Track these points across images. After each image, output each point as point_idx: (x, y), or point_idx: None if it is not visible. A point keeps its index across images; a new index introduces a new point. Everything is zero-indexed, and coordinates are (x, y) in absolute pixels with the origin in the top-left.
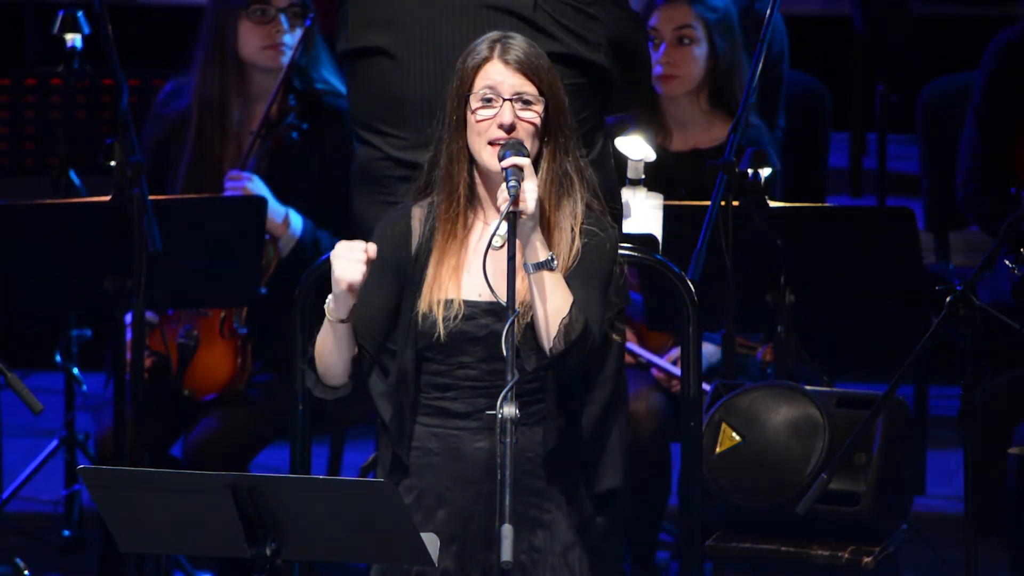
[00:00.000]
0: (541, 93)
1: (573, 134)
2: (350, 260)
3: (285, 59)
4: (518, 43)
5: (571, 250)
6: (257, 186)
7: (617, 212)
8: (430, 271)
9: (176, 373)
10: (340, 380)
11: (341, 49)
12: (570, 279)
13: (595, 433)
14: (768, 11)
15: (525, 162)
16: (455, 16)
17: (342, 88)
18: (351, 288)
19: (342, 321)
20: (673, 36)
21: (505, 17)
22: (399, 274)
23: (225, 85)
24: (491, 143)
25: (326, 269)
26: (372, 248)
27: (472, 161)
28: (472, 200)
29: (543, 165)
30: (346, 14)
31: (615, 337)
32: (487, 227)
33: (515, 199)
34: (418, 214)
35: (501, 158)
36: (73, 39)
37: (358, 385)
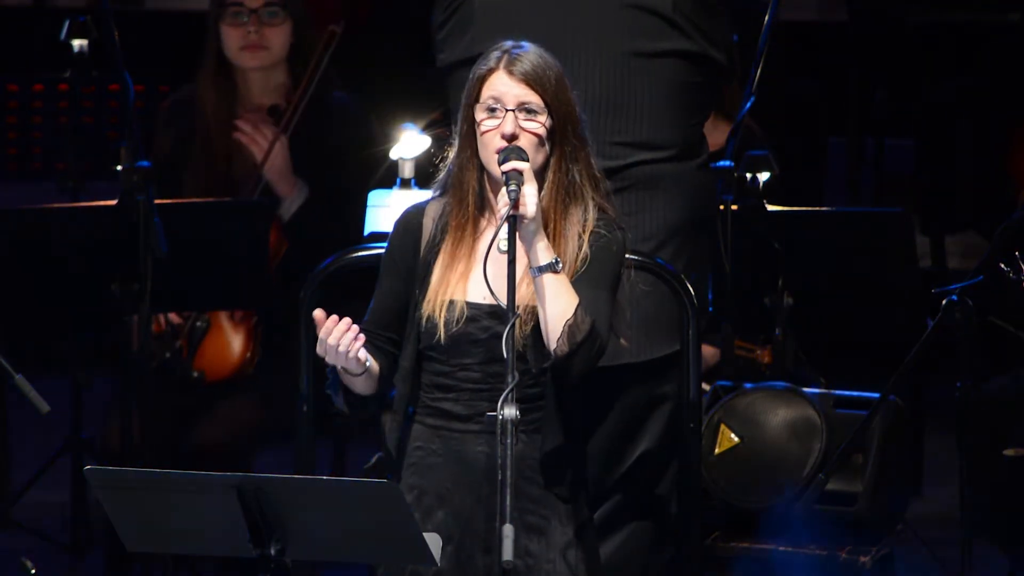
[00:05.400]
0: (546, 103)
1: (583, 143)
2: (334, 353)
3: (265, 59)
4: (526, 54)
5: (578, 256)
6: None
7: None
8: (439, 274)
9: (187, 354)
10: (369, 392)
11: (459, 57)
12: (577, 281)
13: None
14: (767, 16)
15: (524, 166)
16: (596, 16)
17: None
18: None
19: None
20: None
21: (646, 16)
22: (411, 273)
23: (221, 90)
24: (497, 152)
25: (329, 271)
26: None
27: (482, 168)
28: (482, 207)
29: (549, 174)
30: (466, 21)
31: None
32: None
33: (515, 203)
34: (432, 212)
35: (500, 162)
36: (80, 44)
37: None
